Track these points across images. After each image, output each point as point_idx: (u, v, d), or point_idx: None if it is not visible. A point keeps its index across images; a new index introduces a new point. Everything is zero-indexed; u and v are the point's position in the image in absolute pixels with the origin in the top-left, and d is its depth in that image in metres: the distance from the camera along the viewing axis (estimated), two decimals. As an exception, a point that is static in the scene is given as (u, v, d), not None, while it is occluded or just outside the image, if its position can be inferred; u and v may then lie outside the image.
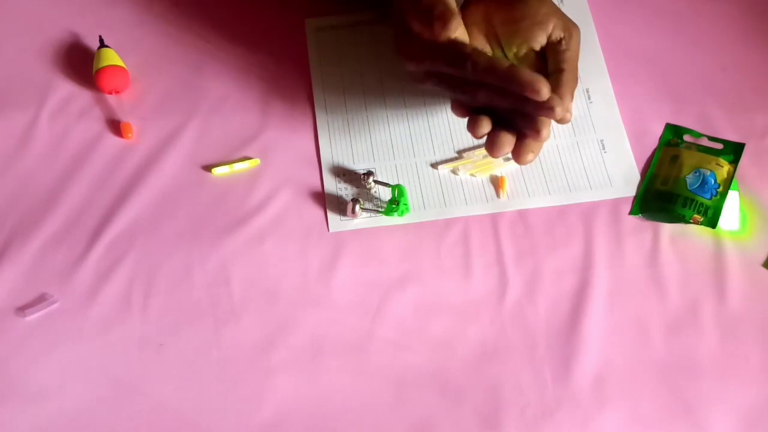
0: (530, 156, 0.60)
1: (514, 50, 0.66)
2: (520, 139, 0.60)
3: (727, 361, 0.63)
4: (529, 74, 0.57)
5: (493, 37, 0.67)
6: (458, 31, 0.61)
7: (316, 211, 0.70)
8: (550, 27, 0.65)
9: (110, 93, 0.74)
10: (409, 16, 0.62)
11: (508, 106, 0.60)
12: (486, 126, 0.61)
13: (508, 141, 0.60)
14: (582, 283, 0.66)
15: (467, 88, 0.61)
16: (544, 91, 0.56)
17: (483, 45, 0.66)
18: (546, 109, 0.57)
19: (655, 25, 0.78)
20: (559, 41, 0.64)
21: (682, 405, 0.62)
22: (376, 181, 0.70)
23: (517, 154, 0.60)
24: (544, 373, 0.63)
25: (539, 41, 0.65)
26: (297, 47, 0.77)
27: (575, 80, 0.63)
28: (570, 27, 0.65)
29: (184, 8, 0.80)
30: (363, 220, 0.69)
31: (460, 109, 0.62)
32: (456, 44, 0.61)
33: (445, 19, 0.60)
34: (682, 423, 0.62)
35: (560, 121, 0.61)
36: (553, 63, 0.64)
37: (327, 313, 0.66)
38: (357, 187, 0.71)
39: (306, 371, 0.64)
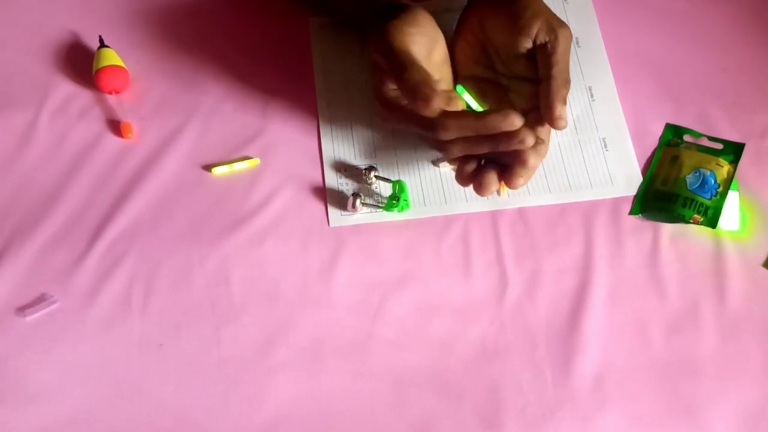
0: (521, 180, 0.61)
1: (503, 57, 0.66)
2: (508, 169, 0.61)
3: (727, 361, 0.63)
4: (497, 116, 0.59)
5: (489, 44, 0.67)
6: (441, 104, 0.60)
7: (317, 207, 0.70)
8: (534, 30, 0.64)
9: (110, 93, 0.74)
10: (394, 83, 0.63)
11: (486, 150, 0.61)
12: (471, 165, 0.62)
13: (493, 180, 0.61)
14: (582, 283, 0.66)
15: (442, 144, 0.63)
16: (516, 123, 0.59)
17: (477, 54, 0.66)
18: (517, 141, 0.59)
19: (656, 25, 0.78)
20: (545, 45, 0.64)
21: (682, 405, 0.62)
22: (377, 177, 0.70)
23: (509, 183, 0.61)
24: (544, 373, 0.63)
25: (524, 45, 0.64)
26: (300, 45, 0.77)
27: (565, 85, 0.63)
28: (556, 29, 0.64)
29: (185, 8, 0.79)
30: (363, 215, 0.70)
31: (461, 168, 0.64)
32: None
33: (428, 100, 0.59)
34: (682, 423, 0.62)
35: (555, 126, 0.62)
36: (541, 68, 0.63)
37: (327, 313, 0.66)
38: (358, 183, 0.71)
39: (306, 371, 0.64)
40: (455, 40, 0.69)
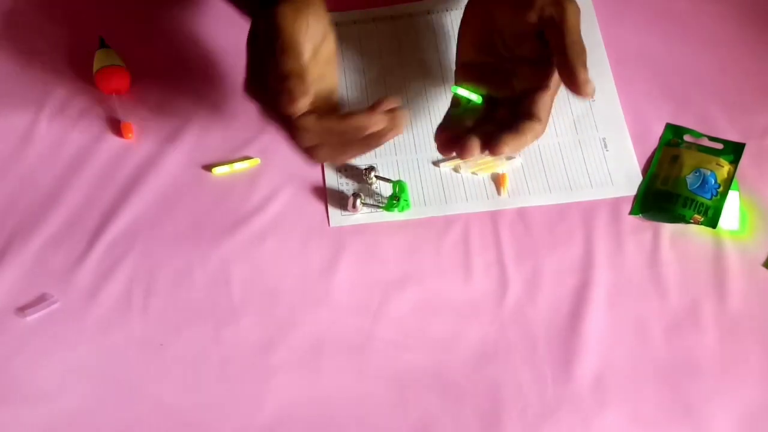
0: (506, 149, 0.59)
1: (508, 39, 0.64)
2: (496, 134, 0.59)
3: (727, 361, 0.63)
4: (362, 117, 0.56)
5: (494, 28, 0.65)
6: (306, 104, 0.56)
7: (317, 207, 0.70)
8: (538, 4, 0.61)
9: (110, 93, 0.74)
10: (268, 68, 0.57)
11: (356, 154, 0.60)
12: (449, 147, 0.61)
13: (475, 144, 0.59)
14: (582, 283, 0.66)
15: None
16: (380, 121, 0.56)
17: (482, 41, 0.65)
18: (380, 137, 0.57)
19: (656, 25, 0.78)
20: (552, 18, 0.61)
21: (682, 405, 0.62)
22: (377, 177, 0.70)
23: (492, 146, 0.59)
24: (544, 373, 0.63)
25: (530, 19, 0.62)
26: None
27: (582, 52, 0.60)
28: (562, 2, 0.61)
29: (185, 8, 0.79)
30: (364, 215, 0.70)
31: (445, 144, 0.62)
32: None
33: (293, 96, 0.54)
34: (682, 423, 0.62)
35: (583, 93, 0.59)
36: (553, 42, 0.61)
37: (327, 312, 0.66)
38: (358, 183, 0.71)
39: (306, 371, 0.64)
40: (461, 29, 0.68)
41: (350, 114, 0.56)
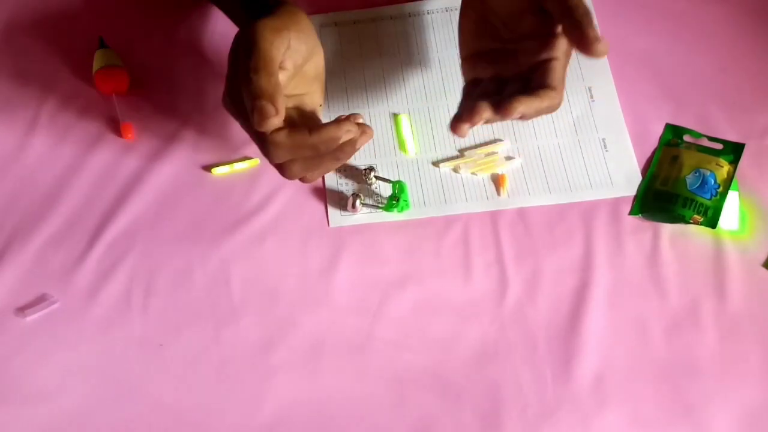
0: (520, 107, 0.56)
1: (506, 19, 0.62)
2: (508, 95, 0.57)
3: (727, 361, 0.63)
4: (332, 128, 0.56)
5: (490, 12, 0.64)
6: (277, 123, 0.55)
7: (317, 207, 0.70)
8: None
9: (110, 93, 0.74)
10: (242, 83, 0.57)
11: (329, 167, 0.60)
12: (459, 119, 0.58)
13: (484, 107, 0.57)
14: (582, 283, 0.66)
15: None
16: (352, 129, 0.57)
17: (481, 29, 0.64)
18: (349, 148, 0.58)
19: (656, 26, 0.78)
20: None
21: (682, 405, 0.62)
22: (377, 177, 0.70)
23: (504, 105, 0.56)
24: (544, 373, 0.63)
25: None
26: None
27: (586, 12, 0.58)
28: None
29: (185, 8, 0.79)
30: (363, 215, 0.70)
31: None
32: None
33: (263, 115, 0.54)
34: (682, 423, 0.62)
35: (597, 51, 0.56)
36: (555, 13, 0.59)
37: (327, 313, 0.66)
38: (358, 183, 0.71)
39: (306, 371, 0.64)
40: (460, 21, 0.68)
41: (320, 127, 0.56)
